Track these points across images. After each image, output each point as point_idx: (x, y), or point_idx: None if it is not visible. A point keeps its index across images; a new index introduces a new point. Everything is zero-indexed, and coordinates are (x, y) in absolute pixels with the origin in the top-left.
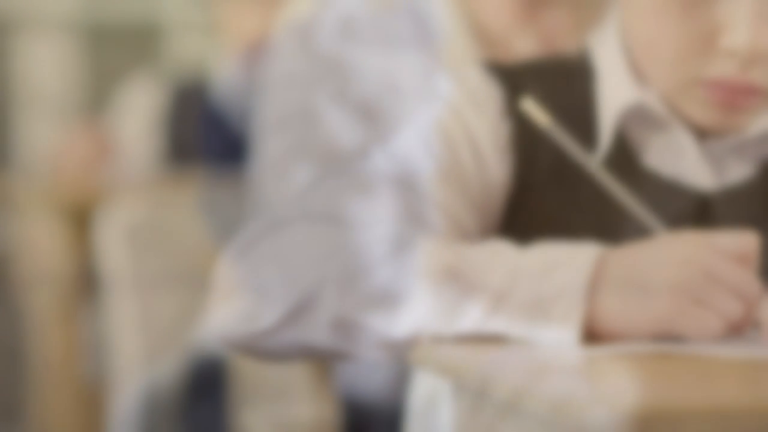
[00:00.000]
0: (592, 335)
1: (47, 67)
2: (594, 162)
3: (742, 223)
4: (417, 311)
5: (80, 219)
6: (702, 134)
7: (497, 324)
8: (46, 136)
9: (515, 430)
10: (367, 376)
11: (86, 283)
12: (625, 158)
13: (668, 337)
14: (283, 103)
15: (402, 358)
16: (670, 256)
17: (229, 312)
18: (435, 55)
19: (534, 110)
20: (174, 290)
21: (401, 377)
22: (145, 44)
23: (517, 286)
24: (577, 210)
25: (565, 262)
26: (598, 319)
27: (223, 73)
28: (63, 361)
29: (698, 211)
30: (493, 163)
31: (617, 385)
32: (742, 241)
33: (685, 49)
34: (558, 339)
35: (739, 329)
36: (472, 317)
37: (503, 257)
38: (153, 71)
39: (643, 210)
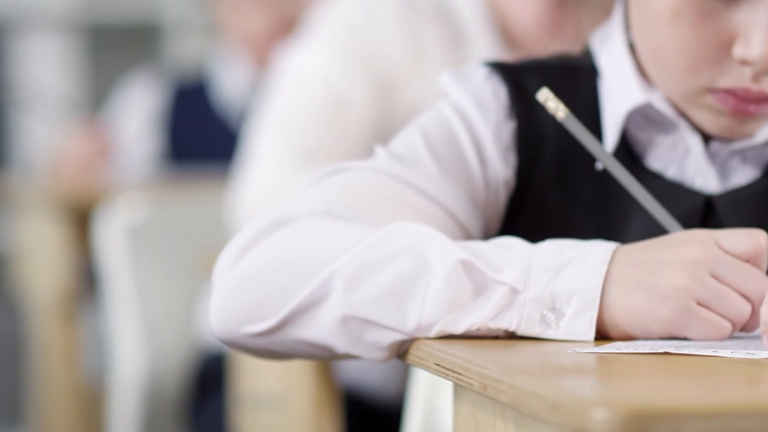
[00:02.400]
0: (600, 334)
1: (47, 67)
2: (609, 156)
3: (747, 226)
4: (428, 305)
5: (80, 219)
6: (708, 137)
7: (510, 319)
8: (46, 136)
9: (515, 430)
10: (369, 373)
11: (86, 283)
12: (629, 159)
13: (675, 338)
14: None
15: (393, 357)
16: (677, 257)
17: (231, 310)
18: (462, 58)
19: (550, 101)
20: (174, 290)
21: (402, 375)
22: (145, 44)
23: (531, 282)
24: (580, 210)
25: (579, 259)
26: (605, 319)
27: (224, 72)
28: (63, 361)
29: (703, 213)
30: (496, 162)
31: (617, 385)
32: (751, 238)
33: (699, 58)
34: (572, 336)
35: (749, 329)
36: (485, 312)
37: (516, 253)
38: (153, 71)
39: (655, 204)
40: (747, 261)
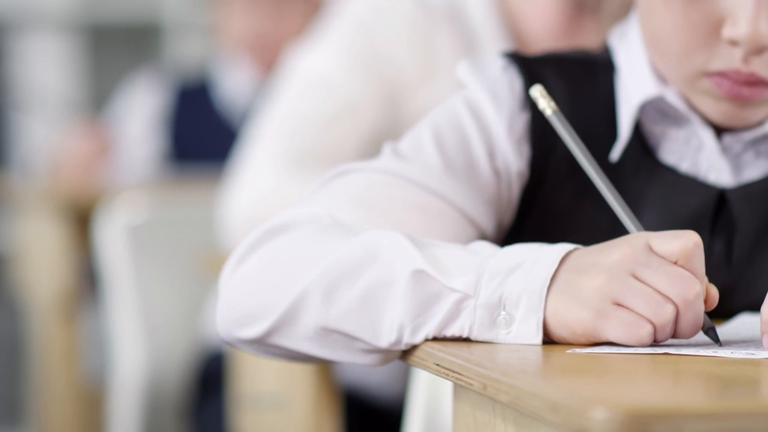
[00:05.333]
0: (547, 338)
1: (47, 67)
2: (590, 157)
3: (760, 220)
4: (390, 313)
5: (80, 219)
6: (720, 131)
7: (462, 325)
8: (46, 136)
9: (515, 430)
10: (370, 374)
11: (86, 283)
12: (643, 153)
13: (598, 341)
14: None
15: (392, 361)
16: (604, 259)
17: (229, 316)
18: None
19: (542, 97)
20: (174, 290)
21: (403, 376)
22: (145, 44)
23: (481, 287)
24: (592, 201)
25: (530, 263)
26: (546, 323)
27: (226, 73)
28: (63, 361)
29: (716, 207)
30: (509, 154)
31: (617, 385)
32: (679, 239)
33: (690, 41)
34: (521, 340)
35: (678, 334)
36: (437, 321)
37: (475, 259)
38: (153, 71)
39: (630, 216)
40: (676, 263)
